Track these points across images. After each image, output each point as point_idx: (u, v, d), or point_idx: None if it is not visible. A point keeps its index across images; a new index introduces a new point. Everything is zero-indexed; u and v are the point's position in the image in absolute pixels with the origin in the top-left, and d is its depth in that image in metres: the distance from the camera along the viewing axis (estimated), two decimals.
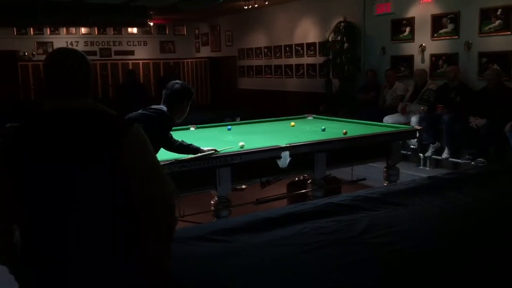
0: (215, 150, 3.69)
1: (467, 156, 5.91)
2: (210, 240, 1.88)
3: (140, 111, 3.38)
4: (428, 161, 6.50)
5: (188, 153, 3.55)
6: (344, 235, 2.01)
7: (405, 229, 2.12)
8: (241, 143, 4.03)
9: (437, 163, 6.49)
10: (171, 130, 3.48)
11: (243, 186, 5.49)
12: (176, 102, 3.38)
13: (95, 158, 1.48)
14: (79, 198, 1.48)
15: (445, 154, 6.23)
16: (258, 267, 1.77)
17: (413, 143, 6.44)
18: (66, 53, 1.63)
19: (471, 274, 1.75)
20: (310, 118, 6.06)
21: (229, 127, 5.33)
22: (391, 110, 7.04)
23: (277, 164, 4.00)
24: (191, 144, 3.63)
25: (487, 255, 1.91)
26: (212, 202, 3.86)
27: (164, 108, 3.36)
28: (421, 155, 6.53)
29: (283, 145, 4.00)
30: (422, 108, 6.57)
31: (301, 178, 5.19)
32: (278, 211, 2.21)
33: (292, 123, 5.50)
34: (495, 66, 6.08)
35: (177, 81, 3.52)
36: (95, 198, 1.49)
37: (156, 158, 1.61)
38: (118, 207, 1.51)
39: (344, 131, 4.68)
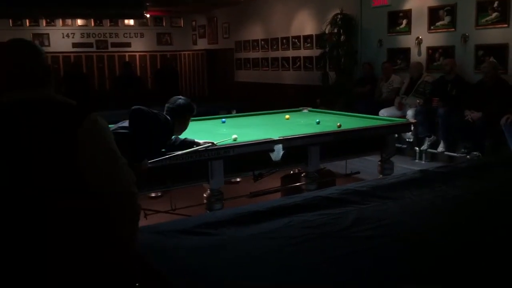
0: (212, 143, 3.69)
1: (463, 150, 5.90)
2: (196, 233, 1.87)
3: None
4: (424, 155, 6.49)
5: (187, 149, 3.55)
6: (331, 228, 2.00)
7: (394, 222, 2.11)
8: (234, 136, 4.02)
9: (432, 157, 6.48)
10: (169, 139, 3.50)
11: (238, 179, 5.51)
12: (179, 117, 3.45)
13: (51, 149, 1.47)
14: (37, 190, 1.47)
15: (440, 148, 6.21)
16: (244, 261, 1.75)
17: (409, 136, 6.43)
18: (21, 44, 1.62)
19: (461, 266, 1.74)
20: (305, 111, 6.04)
21: (223, 119, 5.31)
22: (387, 103, 7.02)
23: (270, 157, 3.99)
24: (186, 138, 3.65)
25: (477, 246, 1.90)
26: (204, 195, 3.85)
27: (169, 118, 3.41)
28: (417, 148, 6.51)
29: (276, 138, 3.98)
30: (418, 101, 6.55)
31: (296, 171, 5.19)
32: (266, 204, 2.19)
33: (287, 116, 5.48)
34: (491, 59, 6.05)
35: (180, 96, 3.58)
36: (54, 190, 1.48)
37: (114, 147, 1.59)
38: (78, 198, 1.50)
39: (338, 124, 4.66)
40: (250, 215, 2.04)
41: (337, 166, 5.27)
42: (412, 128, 5.37)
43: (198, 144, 3.66)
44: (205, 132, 4.25)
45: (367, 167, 5.55)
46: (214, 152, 3.69)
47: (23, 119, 1.48)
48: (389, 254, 1.83)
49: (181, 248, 1.76)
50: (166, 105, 3.49)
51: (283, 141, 3.97)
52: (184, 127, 3.56)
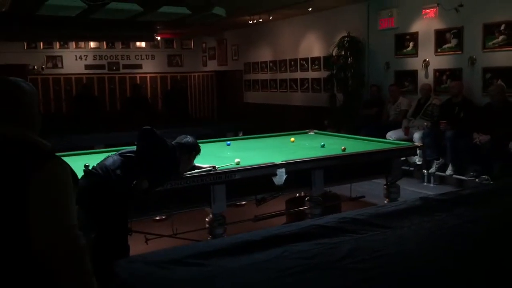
0: (214, 167, 3.71)
1: (472, 173, 5.82)
2: (185, 264, 1.85)
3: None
4: (432, 178, 6.41)
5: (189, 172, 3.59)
6: (326, 259, 1.96)
7: (390, 253, 2.06)
8: (237, 160, 4.02)
9: (441, 180, 6.40)
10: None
11: (243, 202, 5.48)
12: (185, 155, 3.48)
13: (4, 186, 1.37)
14: None
15: (449, 171, 6.14)
16: None
17: (416, 159, 6.37)
18: (4, 81, 1.62)
19: None
20: (311, 133, 6.04)
21: (228, 142, 5.32)
22: (395, 125, 6.98)
23: (273, 181, 3.98)
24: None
25: (474, 279, 1.86)
26: (207, 219, 3.83)
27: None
28: (425, 171, 6.44)
29: (279, 162, 3.97)
30: (425, 124, 6.51)
31: (302, 194, 5.15)
32: (260, 233, 2.17)
33: (292, 139, 5.48)
34: (499, 81, 6.01)
35: (187, 136, 3.61)
36: None
37: (67, 200, 1.45)
38: (19, 255, 1.37)
39: (343, 147, 4.64)
40: (243, 245, 2.02)
41: (343, 188, 5.23)
42: (419, 151, 5.32)
43: (200, 168, 3.68)
44: (209, 156, 4.25)
45: (374, 189, 5.49)
46: (216, 177, 3.69)
47: None
48: (383, 287, 1.79)
49: (168, 280, 1.75)
50: (174, 141, 3.51)
51: (286, 165, 3.96)
52: (187, 165, 3.56)
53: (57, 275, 1.40)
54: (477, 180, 5.67)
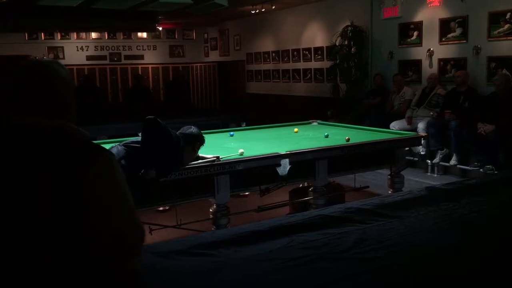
0: (217, 158, 3.69)
1: (476, 163, 5.79)
2: (193, 254, 1.84)
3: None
4: (436, 168, 6.39)
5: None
6: (332, 249, 1.95)
7: (397, 243, 2.05)
8: (240, 150, 4.00)
9: (445, 170, 6.38)
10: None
11: (246, 193, 5.47)
12: (189, 145, 3.47)
13: (54, 187, 1.23)
14: (28, 231, 1.22)
15: (453, 161, 6.12)
16: (241, 284, 1.72)
17: (420, 149, 6.34)
18: (39, 65, 1.41)
19: None
20: (314, 124, 6.01)
21: (231, 133, 5.30)
22: (399, 115, 6.94)
23: (277, 171, 3.96)
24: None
25: (481, 269, 1.84)
26: (210, 210, 3.82)
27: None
28: (429, 161, 6.42)
29: (283, 152, 3.95)
30: (431, 113, 6.47)
31: (305, 184, 5.14)
32: (267, 223, 2.16)
33: (296, 129, 5.45)
34: (504, 71, 5.96)
35: (191, 126, 3.60)
36: (50, 233, 1.23)
37: (126, 192, 1.35)
38: (74, 244, 1.25)
39: (346, 137, 4.61)
40: (249, 235, 2.01)
41: (347, 179, 5.21)
42: (423, 141, 5.29)
43: (203, 158, 3.67)
44: (213, 146, 4.23)
45: (378, 180, 5.48)
46: (220, 167, 3.68)
47: (28, 149, 1.26)
48: (391, 277, 1.78)
49: (176, 270, 1.74)
50: (178, 131, 3.50)
51: (290, 156, 3.94)
52: (192, 156, 3.55)
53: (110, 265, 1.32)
54: (481, 170, 5.64)
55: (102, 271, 1.30)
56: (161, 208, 4.94)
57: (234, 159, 3.79)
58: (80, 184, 1.23)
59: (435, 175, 6.33)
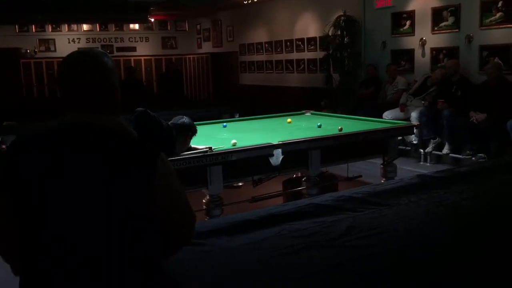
0: (210, 148, 3.68)
1: (468, 152, 5.82)
2: None
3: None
4: (428, 157, 6.42)
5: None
6: (323, 237, 1.96)
7: (388, 230, 2.06)
8: (233, 141, 4.00)
9: (438, 159, 6.41)
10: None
11: (240, 184, 5.48)
12: (181, 136, 3.47)
13: (122, 184, 1.28)
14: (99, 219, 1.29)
15: (445, 150, 6.14)
16: (232, 272, 1.72)
17: (413, 139, 6.35)
18: (94, 57, 1.42)
19: (455, 276, 1.70)
20: (307, 114, 6.00)
21: (224, 124, 5.29)
22: (392, 105, 6.95)
23: (270, 161, 3.96)
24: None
25: (472, 256, 1.85)
26: (204, 200, 3.82)
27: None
28: (422, 150, 6.44)
29: (275, 142, 3.95)
30: (423, 102, 6.48)
31: (298, 175, 5.15)
32: (257, 212, 2.16)
33: (289, 120, 5.45)
34: (496, 59, 5.97)
35: (183, 116, 3.60)
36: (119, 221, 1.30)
37: (182, 185, 1.44)
38: (139, 228, 1.32)
39: (339, 127, 4.62)
40: (240, 224, 2.01)
41: (340, 169, 5.22)
42: (415, 130, 5.29)
43: (196, 149, 3.66)
44: (206, 137, 4.22)
45: (370, 169, 5.49)
46: (213, 158, 3.67)
47: (95, 146, 1.31)
48: (382, 264, 1.78)
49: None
50: (169, 122, 3.49)
51: (282, 146, 3.94)
52: (184, 146, 3.55)
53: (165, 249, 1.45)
54: (473, 158, 5.67)
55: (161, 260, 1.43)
56: None
57: (227, 149, 3.78)
58: (151, 184, 1.29)
59: (428, 164, 6.36)
